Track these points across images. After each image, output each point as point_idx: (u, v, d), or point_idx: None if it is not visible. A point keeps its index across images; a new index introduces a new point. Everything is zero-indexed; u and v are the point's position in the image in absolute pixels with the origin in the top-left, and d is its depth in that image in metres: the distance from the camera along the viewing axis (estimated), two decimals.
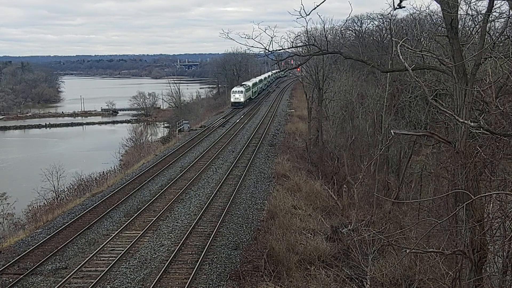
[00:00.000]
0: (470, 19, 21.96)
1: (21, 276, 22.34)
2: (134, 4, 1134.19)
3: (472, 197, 12.93)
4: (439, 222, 14.67)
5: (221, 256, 24.28)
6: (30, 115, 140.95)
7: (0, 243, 28.70)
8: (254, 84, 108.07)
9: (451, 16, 14.10)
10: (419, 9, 46.64)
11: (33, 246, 26.11)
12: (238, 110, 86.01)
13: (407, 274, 19.65)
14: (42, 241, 26.73)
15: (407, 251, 14.49)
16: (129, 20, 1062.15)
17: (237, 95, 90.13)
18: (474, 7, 17.80)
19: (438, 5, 14.60)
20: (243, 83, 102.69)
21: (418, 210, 29.60)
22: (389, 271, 19.62)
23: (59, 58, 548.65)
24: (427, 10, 39.41)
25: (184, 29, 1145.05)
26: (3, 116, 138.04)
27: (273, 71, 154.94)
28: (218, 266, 23.25)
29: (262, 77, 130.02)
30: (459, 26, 16.29)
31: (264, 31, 17.93)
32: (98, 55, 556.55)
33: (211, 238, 26.12)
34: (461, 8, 16.58)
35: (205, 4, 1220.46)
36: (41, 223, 30.94)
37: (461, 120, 12.81)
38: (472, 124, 12.46)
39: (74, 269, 22.84)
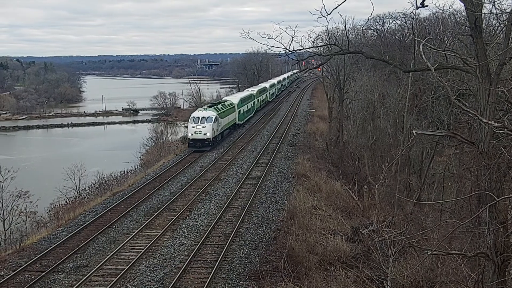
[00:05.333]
0: (494, 18, 21.65)
1: (43, 273, 22.61)
2: (151, 5, 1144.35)
3: (496, 198, 12.74)
4: (461, 223, 14.47)
5: (241, 256, 24.28)
6: (52, 115, 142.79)
7: (23, 240, 29.08)
8: (245, 100, 69.34)
9: (475, 15, 13.91)
10: (442, 8, 46.30)
11: (55, 244, 26.42)
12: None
13: (429, 276, 19.41)
14: (63, 239, 27.04)
15: (429, 253, 14.32)
16: (148, 20, 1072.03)
17: (199, 126, 50.30)
18: (499, 6, 17.53)
19: (462, 4, 14.41)
20: (219, 102, 63.20)
21: (440, 211, 29.25)
22: (410, 273, 19.39)
23: (82, 58, 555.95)
24: (451, 9, 39.06)
25: (203, 29, 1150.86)
26: (27, 116, 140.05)
27: (286, 75, 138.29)
28: (238, 265, 23.24)
29: (267, 84, 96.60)
30: (483, 25, 16.03)
31: (285, 31, 17.89)
32: (119, 55, 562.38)
33: (230, 238, 26.14)
34: (485, 7, 16.36)
35: (222, 4, 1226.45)
36: (63, 221, 31.30)
37: (485, 121, 12.61)
38: (496, 124, 12.26)
39: (95, 267, 23.05)
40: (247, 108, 70.24)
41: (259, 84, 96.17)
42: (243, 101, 67.87)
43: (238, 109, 63.98)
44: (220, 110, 54.96)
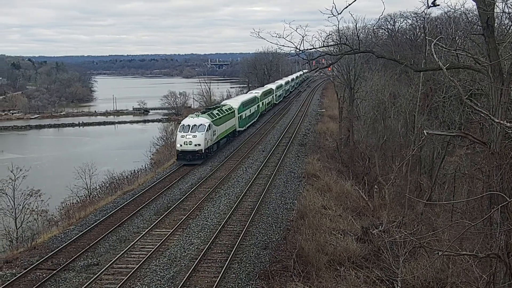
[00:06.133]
0: (506, 17, 21.49)
1: (54, 271, 22.74)
2: (161, 5, 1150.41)
3: (508, 199, 12.64)
4: (473, 224, 14.38)
5: (250, 256, 24.28)
6: (64, 114, 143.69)
7: (35, 239, 29.32)
8: (247, 103, 63.97)
9: (487, 14, 13.82)
10: (454, 7, 46.04)
11: (66, 242, 26.58)
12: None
13: (439, 277, 19.29)
14: (74, 237, 27.21)
15: (440, 254, 14.23)
16: (157, 20, 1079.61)
17: (190, 135, 44.65)
18: (511, 5, 17.38)
19: (474, 3, 14.33)
20: (215, 106, 56.78)
21: (451, 212, 29.06)
22: (421, 274, 19.29)
23: (93, 58, 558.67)
24: (462, 8, 38.82)
25: (213, 28, 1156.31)
26: (38, 115, 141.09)
27: (295, 75, 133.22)
28: (247, 265, 23.25)
29: (274, 85, 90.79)
30: (495, 24, 15.92)
31: (295, 30, 17.85)
32: (130, 55, 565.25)
33: (240, 237, 26.15)
34: (497, 6, 16.25)
35: (232, 4, 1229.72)
36: (74, 220, 31.50)
37: (497, 120, 12.53)
38: (508, 124, 12.17)
39: (105, 266, 23.16)
40: (249, 113, 64.29)
41: (265, 86, 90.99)
42: (245, 105, 61.92)
43: (238, 114, 58.18)
44: (216, 117, 48.99)
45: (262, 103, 74.95)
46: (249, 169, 42.46)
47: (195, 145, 44.18)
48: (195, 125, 45.01)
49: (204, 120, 45.86)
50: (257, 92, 75.04)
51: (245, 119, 61.58)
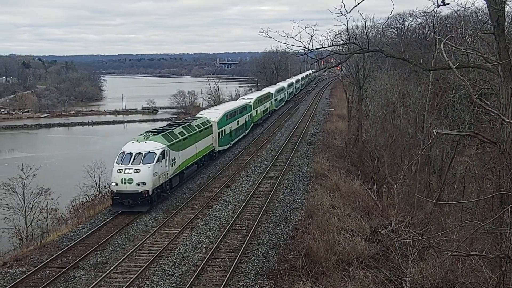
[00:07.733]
0: None
1: (64, 269, 22.86)
2: (170, 4, 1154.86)
3: None
4: (482, 224, 14.31)
5: (259, 255, 24.27)
6: (73, 113, 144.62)
7: (44, 237, 29.47)
8: (233, 114, 51.15)
9: (498, 13, 13.74)
10: (464, 6, 45.78)
11: (75, 241, 26.70)
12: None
13: (449, 277, 19.20)
14: (84, 236, 27.32)
15: (449, 254, 14.19)
16: (166, 19, 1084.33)
17: (130, 170, 30.52)
18: None
19: (484, 2, 14.26)
20: (182, 122, 42.07)
21: (461, 212, 28.94)
22: (430, 274, 19.21)
23: (102, 57, 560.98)
24: (472, 7, 38.55)
25: (221, 28, 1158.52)
26: (48, 114, 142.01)
27: (301, 76, 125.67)
28: (256, 264, 23.24)
29: (273, 88, 79.57)
30: (506, 23, 15.82)
31: (304, 30, 17.91)
32: (139, 54, 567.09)
33: (248, 237, 26.14)
34: (508, 5, 16.14)
35: (240, 3, 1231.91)
36: (83, 218, 31.61)
37: (507, 120, 12.46)
38: None
39: (114, 264, 23.23)
40: (236, 126, 51.27)
41: (263, 89, 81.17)
42: (229, 116, 48.95)
43: (219, 129, 45.14)
44: (177, 138, 35.43)
45: (256, 111, 62.82)
46: (258, 168, 42.44)
47: (138, 183, 30.50)
48: (139, 153, 31.25)
49: (155, 145, 32.10)
50: (250, 98, 62.97)
51: (229, 134, 48.65)
